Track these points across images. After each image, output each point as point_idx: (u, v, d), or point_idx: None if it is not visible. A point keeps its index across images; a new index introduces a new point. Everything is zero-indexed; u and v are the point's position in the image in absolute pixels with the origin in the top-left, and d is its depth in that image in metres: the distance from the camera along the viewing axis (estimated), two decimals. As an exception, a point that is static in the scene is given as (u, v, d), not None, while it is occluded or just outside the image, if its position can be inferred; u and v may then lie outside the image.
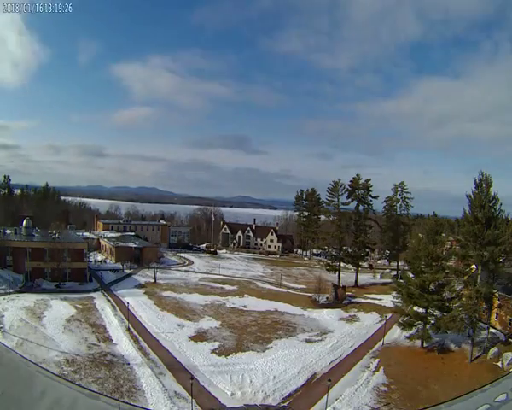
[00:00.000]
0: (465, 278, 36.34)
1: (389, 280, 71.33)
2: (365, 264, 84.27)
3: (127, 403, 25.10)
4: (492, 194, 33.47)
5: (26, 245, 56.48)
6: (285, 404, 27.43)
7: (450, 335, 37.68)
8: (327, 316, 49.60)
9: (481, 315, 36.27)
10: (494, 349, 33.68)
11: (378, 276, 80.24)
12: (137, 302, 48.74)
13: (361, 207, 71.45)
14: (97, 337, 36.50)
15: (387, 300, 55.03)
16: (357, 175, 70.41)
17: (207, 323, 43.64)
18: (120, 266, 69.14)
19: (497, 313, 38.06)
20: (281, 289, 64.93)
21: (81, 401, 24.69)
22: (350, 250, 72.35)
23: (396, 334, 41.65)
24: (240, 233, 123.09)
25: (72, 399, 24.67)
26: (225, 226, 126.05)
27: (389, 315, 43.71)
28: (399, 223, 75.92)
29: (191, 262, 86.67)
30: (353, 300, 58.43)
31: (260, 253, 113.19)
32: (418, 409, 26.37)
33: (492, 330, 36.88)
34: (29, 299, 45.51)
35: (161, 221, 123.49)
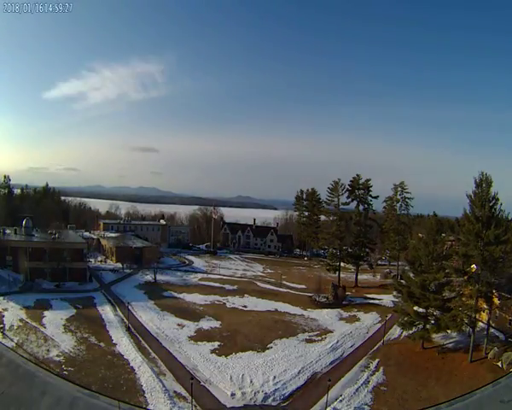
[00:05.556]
0: (465, 277, 36.27)
1: (389, 280, 71.19)
2: (365, 264, 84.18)
3: (127, 403, 25.07)
4: (492, 194, 33.47)
5: (25, 245, 56.46)
6: (285, 404, 27.39)
7: (451, 335, 37.72)
8: (327, 316, 49.54)
9: (481, 315, 36.22)
10: (494, 349, 33.58)
11: (378, 276, 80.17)
12: (137, 302, 48.75)
13: (361, 207, 71.57)
14: (97, 337, 36.49)
15: (387, 300, 55.23)
16: (358, 175, 70.69)
17: (207, 323, 43.65)
18: (120, 266, 69.22)
19: (497, 313, 37.94)
20: (281, 289, 64.88)
21: (81, 400, 24.67)
22: (350, 250, 72.33)
23: (396, 334, 41.68)
24: (240, 233, 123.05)
25: (72, 399, 24.66)
26: (225, 226, 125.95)
27: (389, 315, 43.69)
28: (399, 223, 75.97)
29: (191, 262, 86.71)
30: (353, 300, 58.35)
31: (260, 253, 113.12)
32: (418, 409, 26.37)
33: (492, 330, 36.80)
34: (29, 299, 45.54)
35: (161, 221, 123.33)
